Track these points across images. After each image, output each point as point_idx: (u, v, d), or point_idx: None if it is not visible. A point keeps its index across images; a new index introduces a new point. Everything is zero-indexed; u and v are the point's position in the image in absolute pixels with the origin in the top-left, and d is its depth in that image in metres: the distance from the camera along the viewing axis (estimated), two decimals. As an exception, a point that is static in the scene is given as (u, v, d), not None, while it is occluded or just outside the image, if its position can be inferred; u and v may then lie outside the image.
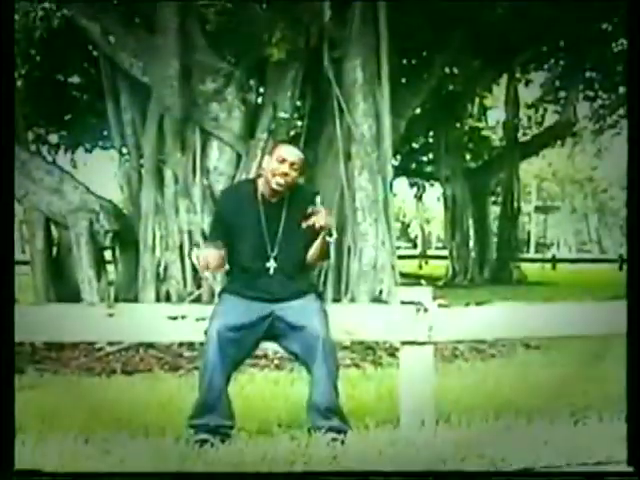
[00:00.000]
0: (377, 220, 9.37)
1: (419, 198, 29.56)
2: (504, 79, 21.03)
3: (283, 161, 4.42)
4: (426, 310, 4.62)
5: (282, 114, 9.37)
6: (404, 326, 4.62)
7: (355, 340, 6.16)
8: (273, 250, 4.45)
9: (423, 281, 7.46)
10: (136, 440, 4.22)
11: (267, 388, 6.18)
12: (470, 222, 23.01)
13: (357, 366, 7.38)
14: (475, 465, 3.96)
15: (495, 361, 7.87)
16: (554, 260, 34.70)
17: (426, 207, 50.42)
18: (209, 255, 4.38)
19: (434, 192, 27.30)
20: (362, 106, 9.43)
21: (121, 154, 11.26)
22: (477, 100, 21.91)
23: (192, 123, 9.22)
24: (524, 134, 23.89)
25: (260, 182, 4.56)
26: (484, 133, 24.64)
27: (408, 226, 62.78)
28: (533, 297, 12.57)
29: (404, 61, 13.56)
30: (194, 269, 8.93)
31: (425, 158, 25.23)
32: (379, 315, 4.86)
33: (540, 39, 15.63)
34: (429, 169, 25.68)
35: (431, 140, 23.27)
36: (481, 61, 16.52)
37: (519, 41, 14.84)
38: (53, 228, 10.01)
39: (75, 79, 14.44)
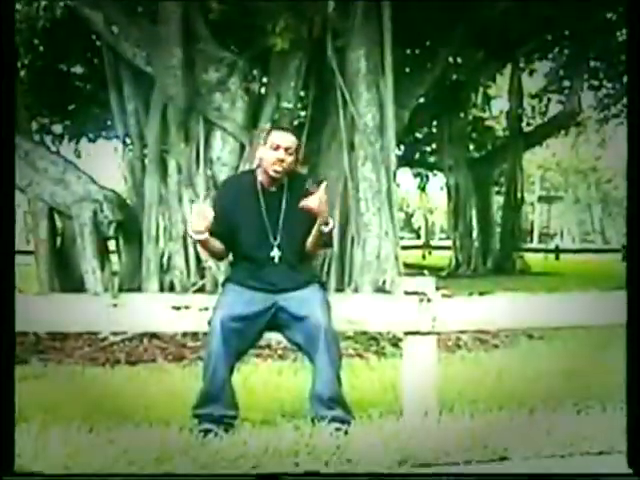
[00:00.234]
0: (380, 210, 9.36)
1: (422, 188, 29.53)
2: (508, 69, 20.98)
3: (277, 148, 4.44)
4: (429, 300, 4.62)
5: (285, 104, 9.36)
6: (407, 316, 4.62)
7: (358, 330, 6.15)
8: (276, 239, 4.46)
9: (426, 271, 7.46)
10: (140, 430, 4.23)
11: (270, 378, 6.20)
12: (473, 212, 22.99)
13: (360, 356, 7.39)
14: (478, 455, 3.98)
15: (498, 351, 7.88)
16: (557, 250, 34.67)
17: (429, 197, 50.37)
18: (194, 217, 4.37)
19: (437, 182, 27.30)
20: (365, 96, 9.42)
21: (124, 144, 11.26)
22: (481, 90, 21.86)
23: (195, 113, 9.21)
24: (528, 124, 23.84)
25: (259, 172, 4.57)
26: (488, 123, 24.60)
27: (411, 216, 62.76)
28: (536, 287, 12.58)
29: (407, 51, 13.52)
30: (198, 259, 8.94)
31: (428, 148, 25.21)
32: (382, 305, 4.86)
33: (544, 29, 15.59)
34: (432, 159, 25.67)
35: (434, 130, 23.24)
36: (485, 51, 16.48)
37: (523, 31, 14.81)
38: (57, 218, 10.02)
39: (78, 69, 14.42)
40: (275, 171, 4.43)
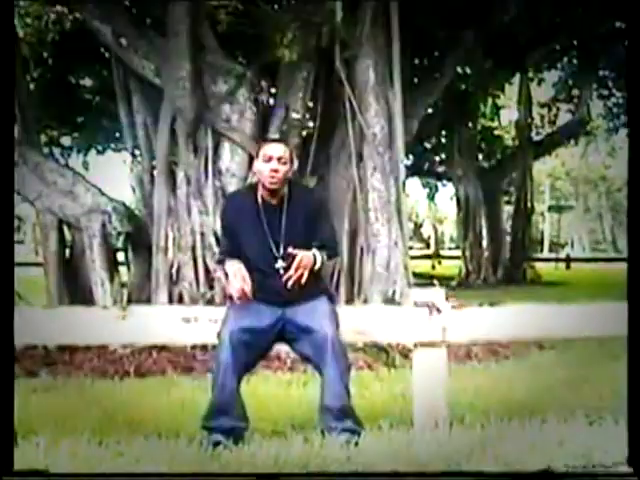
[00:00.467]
0: (390, 220, 9.34)
1: (432, 198, 29.53)
2: (517, 78, 20.97)
3: (270, 159, 4.46)
4: (439, 311, 4.60)
5: (294, 115, 9.36)
6: (417, 327, 4.60)
7: (368, 341, 6.14)
8: (279, 251, 4.45)
9: (436, 281, 7.43)
10: (150, 442, 4.22)
11: (280, 390, 6.18)
12: (483, 222, 22.96)
13: (370, 367, 7.37)
14: (490, 466, 3.95)
15: (509, 362, 7.84)
16: (568, 260, 34.58)
17: (439, 207, 50.37)
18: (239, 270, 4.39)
19: (447, 192, 27.28)
20: (374, 106, 9.41)
21: (133, 156, 11.28)
22: (490, 100, 21.85)
23: (204, 124, 9.22)
24: (537, 133, 23.83)
25: (259, 186, 4.58)
26: (497, 133, 24.59)
27: (421, 226, 62.71)
28: (547, 297, 12.52)
29: (416, 61, 13.53)
30: (207, 270, 8.94)
31: (437, 158, 25.20)
32: (392, 316, 4.84)
33: (552, 38, 15.57)
34: (442, 169, 25.65)
35: (443, 140, 23.23)
36: (493, 60, 16.46)
37: (531, 40, 14.79)
38: (66, 230, 10.04)
39: (87, 81, 14.49)
40: (271, 182, 4.45)
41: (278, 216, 4.50)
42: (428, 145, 23.84)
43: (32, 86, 12.52)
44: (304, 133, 9.91)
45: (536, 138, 23.37)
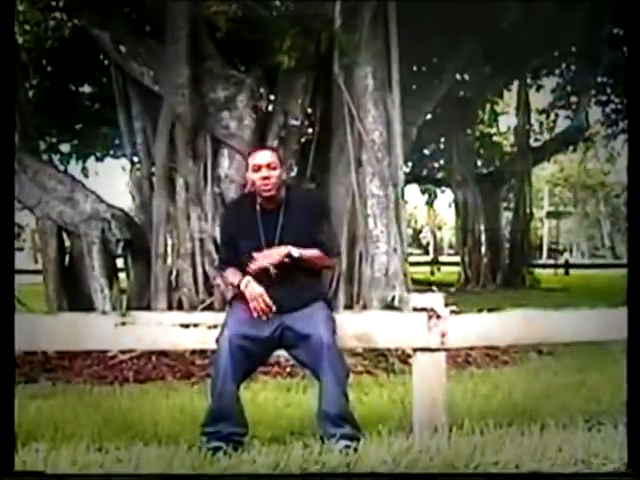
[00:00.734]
0: (388, 226, 9.35)
1: (430, 204, 29.53)
2: (515, 85, 21.00)
3: (259, 168, 4.49)
4: (438, 317, 4.60)
5: (293, 121, 9.37)
6: (416, 333, 4.61)
7: (367, 347, 6.14)
8: None
9: (435, 287, 7.45)
10: (149, 448, 4.22)
11: (279, 395, 6.18)
12: (482, 228, 22.97)
13: (369, 373, 7.37)
14: (489, 471, 3.95)
15: (508, 367, 7.85)
16: (567, 266, 34.58)
17: (437, 213, 50.39)
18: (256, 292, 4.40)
19: (446, 198, 27.34)
20: (373, 113, 9.42)
21: (132, 163, 11.30)
22: (488, 106, 21.87)
23: (203, 131, 9.23)
24: (535, 140, 23.84)
25: (256, 193, 4.61)
26: (495, 139, 24.61)
27: (420, 232, 62.71)
28: (546, 303, 12.53)
29: (414, 67, 13.55)
30: (206, 277, 8.94)
31: (436, 164, 25.22)
32: (391, 322, 4.84)
33: (551, 44, 15.59)
34: (440, 175, 25.67)
35: (442, 146, 23.25)
36: (492, 67, 16.49)
37: (530, 46, 14.81)
38: (65, 237, 10.05)
39: (86, 88, 14.48)
40: (265, 190, 4.47)
41: (274, 222, 4.51)
42: (427, 151, 23.86)
43: (31, 93, 12.53)
44: (303, 139, 9.93)
45: (535, 144, 23.39)
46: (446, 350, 4.66)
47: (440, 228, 59.58)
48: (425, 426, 4.52)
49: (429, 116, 16.21)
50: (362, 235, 9.40)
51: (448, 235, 57.74)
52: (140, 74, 9.67)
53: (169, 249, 9.17)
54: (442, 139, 22.51)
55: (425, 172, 25.19)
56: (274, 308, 4.31)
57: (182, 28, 8.83)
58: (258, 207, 4.56)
